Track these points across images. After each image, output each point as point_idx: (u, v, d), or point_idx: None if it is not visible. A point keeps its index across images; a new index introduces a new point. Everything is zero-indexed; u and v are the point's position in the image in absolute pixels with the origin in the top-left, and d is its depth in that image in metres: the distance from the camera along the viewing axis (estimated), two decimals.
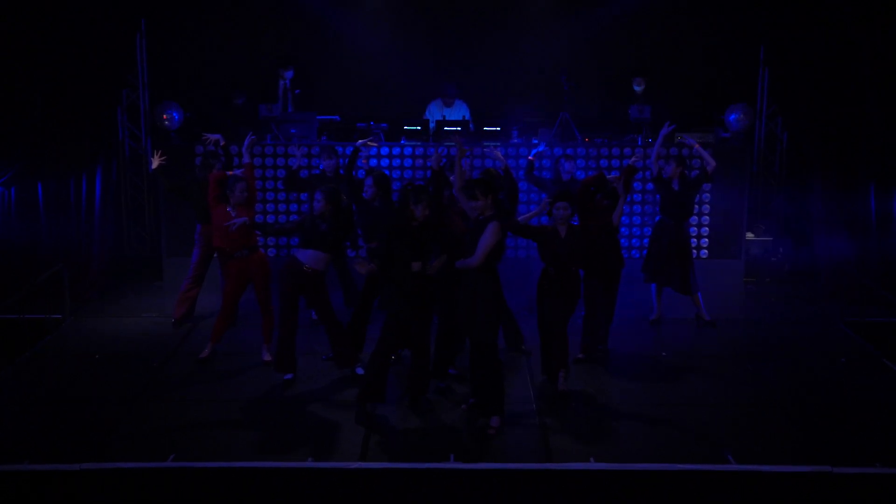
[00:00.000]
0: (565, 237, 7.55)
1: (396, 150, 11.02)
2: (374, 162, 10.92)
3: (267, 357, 8.37)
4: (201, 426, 7.04)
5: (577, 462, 6.44)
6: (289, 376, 7.90)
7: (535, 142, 11.19)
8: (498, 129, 11.10)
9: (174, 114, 11.16)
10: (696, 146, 9.50)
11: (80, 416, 7.26)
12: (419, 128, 11.14)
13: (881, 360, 8.58)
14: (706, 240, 11.13)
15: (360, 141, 8.80)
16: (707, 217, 11.12)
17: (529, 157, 9.70)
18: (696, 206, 11.02)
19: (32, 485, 6.27)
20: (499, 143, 10.97)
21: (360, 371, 7.99)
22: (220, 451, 6.57)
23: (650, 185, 10.81)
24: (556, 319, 7.60)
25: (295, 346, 7.87)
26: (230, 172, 8.51)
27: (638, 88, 11.58)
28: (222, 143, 8.76)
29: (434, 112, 11.81)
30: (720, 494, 6.33)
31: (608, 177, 8.35)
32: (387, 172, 10.22)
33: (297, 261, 7.67)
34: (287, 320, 7.77)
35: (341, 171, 9.22)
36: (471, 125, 11.14)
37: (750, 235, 11.51)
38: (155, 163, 9.01)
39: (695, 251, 11.03)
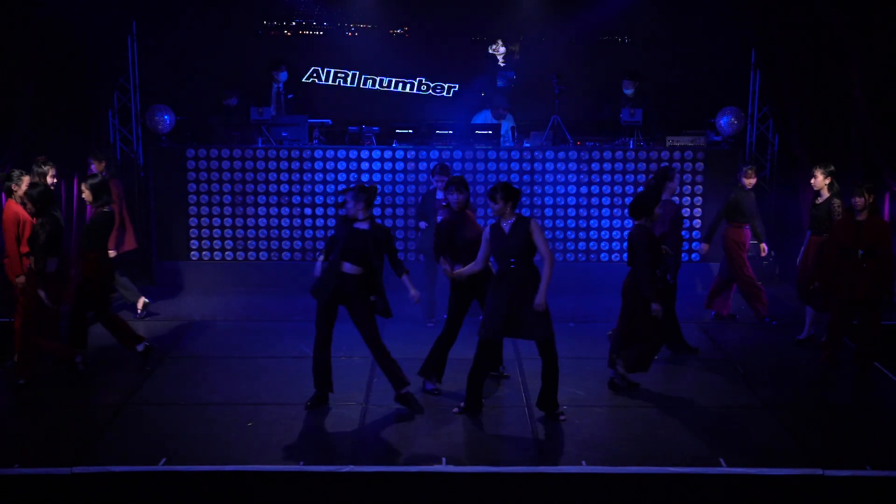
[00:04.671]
0: None
1: (388, 154, 11.03)
2: (365, 165, 10.94)
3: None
4: (192, 430, 7.02)
5: (568, 465, 6.45)
6: (140, 347, 8.29)
7: (528, 145, 11.21)
8: (490, 132, 11.12)
9: (166, 117, 11.13)
10: None
11: (71, 419, 7.24)
12: (411, 131, 11.16)
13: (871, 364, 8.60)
14: (697, 243, 11.14)
15: None
16: (698, 220, 11.14)
17: None
18: (688, 210, 11.06)
19: (24, 488, 6.24)
20: (491, 146, 10.99)
21: (140, 348, 8.30)
22: (211, 455, 6.54)
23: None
24: None
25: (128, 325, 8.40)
26: None
27: (627, 91, 11.56)
28: None
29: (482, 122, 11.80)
30: (711, 497, 6.33)
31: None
32: (378, 177, 10.29)
33: None
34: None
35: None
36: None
37: None
38: None
39: (686, 254, 11.05)
